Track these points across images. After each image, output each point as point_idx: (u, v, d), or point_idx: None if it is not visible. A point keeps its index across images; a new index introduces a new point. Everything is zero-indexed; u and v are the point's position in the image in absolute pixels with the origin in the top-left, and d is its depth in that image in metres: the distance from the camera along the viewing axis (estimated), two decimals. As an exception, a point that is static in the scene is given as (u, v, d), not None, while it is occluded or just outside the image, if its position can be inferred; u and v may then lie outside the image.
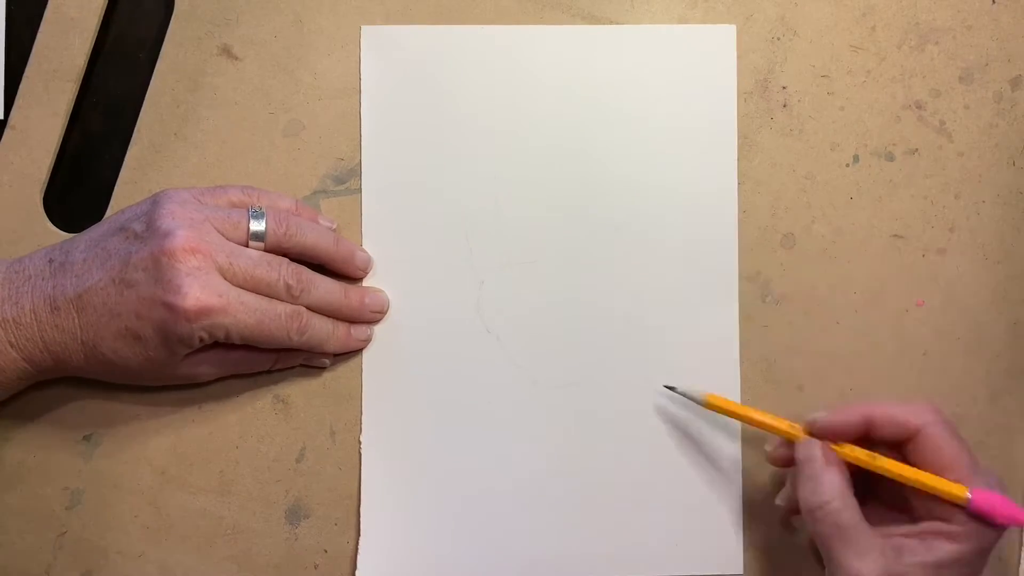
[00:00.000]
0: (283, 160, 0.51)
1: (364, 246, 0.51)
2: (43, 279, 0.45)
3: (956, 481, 0.43)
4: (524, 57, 0.52)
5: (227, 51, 0.51)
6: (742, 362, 0.52)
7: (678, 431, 0.51)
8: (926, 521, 0.44)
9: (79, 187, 0.52)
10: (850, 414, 0.45)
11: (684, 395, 0.50)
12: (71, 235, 0.50)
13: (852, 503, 0.43)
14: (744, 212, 0.52)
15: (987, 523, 0.42)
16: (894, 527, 0.44)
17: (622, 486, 0.51)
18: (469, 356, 0.51)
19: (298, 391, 0.51)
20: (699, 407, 0.49)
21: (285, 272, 0.47)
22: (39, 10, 0.51)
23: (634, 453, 0.51)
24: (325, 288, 0.48)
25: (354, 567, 0.50)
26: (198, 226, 0.45)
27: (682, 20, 0.52)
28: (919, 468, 0.44)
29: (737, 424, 0.51)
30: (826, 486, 0.43)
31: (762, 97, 0.52)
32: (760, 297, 0.52)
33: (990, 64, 0.52)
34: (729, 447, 0.51)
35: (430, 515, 0.51)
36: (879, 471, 0.44)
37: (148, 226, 0.45)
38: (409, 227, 0.51)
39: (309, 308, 0.48)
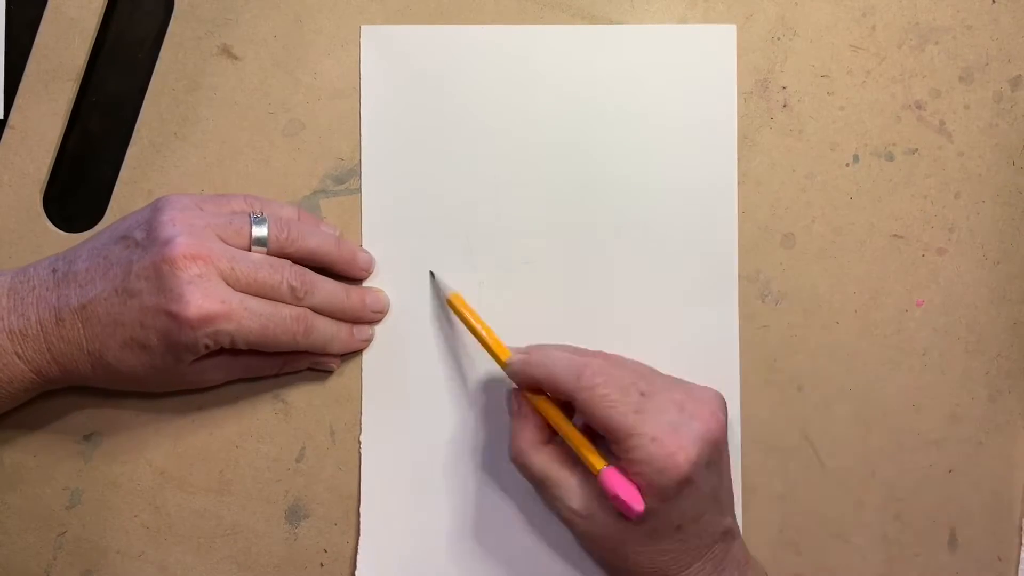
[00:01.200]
0: (283, 160, 0.51)
1: (364, 246, 0.51)
2: (47, 289, 0.45)
3: (612, 441, 0.44)
4: (524, 57, 0.52)
5: (227, 51, 0.51)
6: (742, 362, 0.52)
7: (678, 431, 0.51)
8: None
9: (79, 187, 0.52)
10: (531, 372, 0.46)
11: (437, 283, 0.51)
12: (71, 235, 0.50)
13: (540, 453, 0.46)
14: (744, 212, 0.52)
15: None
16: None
17: (622, 486, 0.51)
18: (469, 356, 0.51)
19: (298, 391, 0.51)
20: None
21: (288, 274, 0.47)
22: (39, 10, 0.51)
23: (634, 453, 0.51)
24: (328, 289, 0.48)
25: (354, 567, 0.50)
26: (199, 232, 0.45)
27: (682, 20, 0.52)
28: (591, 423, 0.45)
29: (738, 425, 0.51)
30: (516, 439, 0.47)
31: (762, 97, 0.52)
32: (760, 297, 0.52)
33: (990, 64, 0.53)
34: (729, 447, 0.51)
35: (430, 515, 0.51)
36: (552, 424, 0.46)
37: (149, 234, 0.45)
38: (409, 227, 0.51)
39: (312, 310, 0.48)
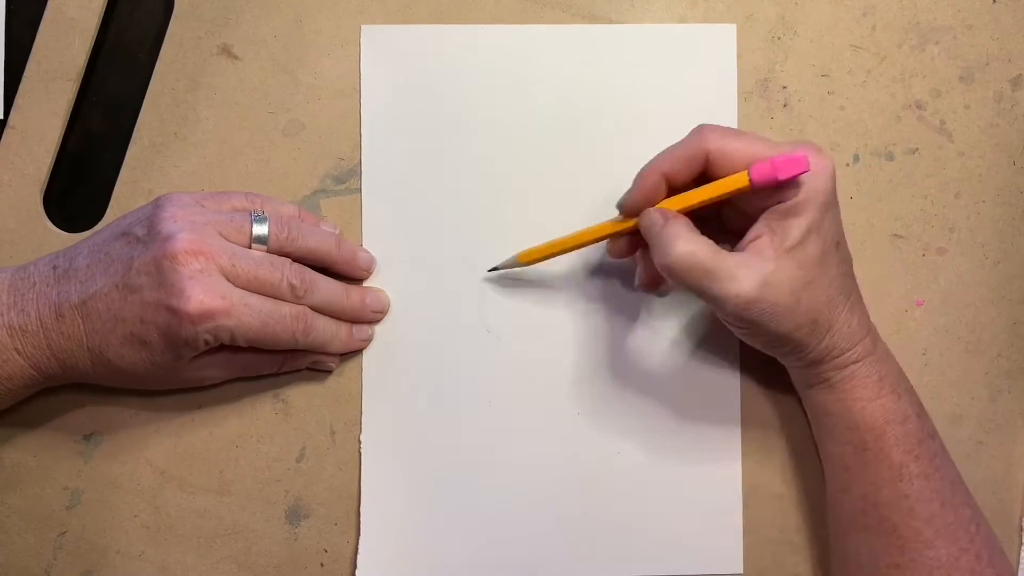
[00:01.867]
0: (283, 160, 0.51)
1: (364, 246, 0.51)
2: (48, 286, 0.45)
3: (757, 164, 0.44)
4: (524, 57, 0.52)
5: (227, 51, 0.51)
6: (742, 362, 0.51)
7: (679, 430, 0.51)
8: (763, 216, 0.45)
9: (79, 187, 0.52)
10: (647, 177, 0.45)
11: (503, 267, 0.50)
12: (71, 235, 0.50)
13: (701, 240, 0.44)
14: (744, 212, 0.52)
15: (785, 186, 0.44)
16: (747, 239, 0.45)
17: (622, 486, 0.51)
18: (469, 356, 0.51)
19: (298, 391, 0.51)
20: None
21: (288, 272, 0.47)
22: (39, 10, 0.51)
23: (634, 453, 0.51)
24: (328, 288, 0.48)
25: (354, 567, 0.50)
26: (200, 229, 0.45)
27: (682, 19, 0.52)
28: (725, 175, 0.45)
29: (738, 425, 0.51)
30: (671, 239, 0.44)
31: (762, 97, 0.52)
32: (760, 297, 0.52)
33: (990, 64, 0.52)
34: (729, 447, 0.51)
35: (430, 515, 0.51)
36: (692, 208, 0.45)
37: (149, 230, 0.45)
38: (409, 227, 0.51)
39: (312, 309, 0.48)
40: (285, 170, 0.51)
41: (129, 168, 0.51)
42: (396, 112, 0.51)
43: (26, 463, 0.50)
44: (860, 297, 0.47)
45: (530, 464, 0.51)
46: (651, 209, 0.46)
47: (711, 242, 0.44)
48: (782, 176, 0.43)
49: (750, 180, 0.43)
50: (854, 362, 0.46)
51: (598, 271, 0.52)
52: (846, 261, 0.46)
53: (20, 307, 0.45)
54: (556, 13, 0.52)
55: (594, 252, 0.51)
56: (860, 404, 0.45)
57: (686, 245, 0.43)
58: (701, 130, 0.45)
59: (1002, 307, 0.52)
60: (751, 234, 0.45)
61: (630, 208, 0.46)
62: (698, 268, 0.43)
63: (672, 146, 0.45)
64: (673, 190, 0.46)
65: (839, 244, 0.45)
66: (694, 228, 0.45)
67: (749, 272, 0.43)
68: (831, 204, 0.44)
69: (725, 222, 0.48)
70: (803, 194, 0.43)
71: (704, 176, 0.45)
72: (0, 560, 0.50)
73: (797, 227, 0.44)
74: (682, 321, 0.51)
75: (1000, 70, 0.52)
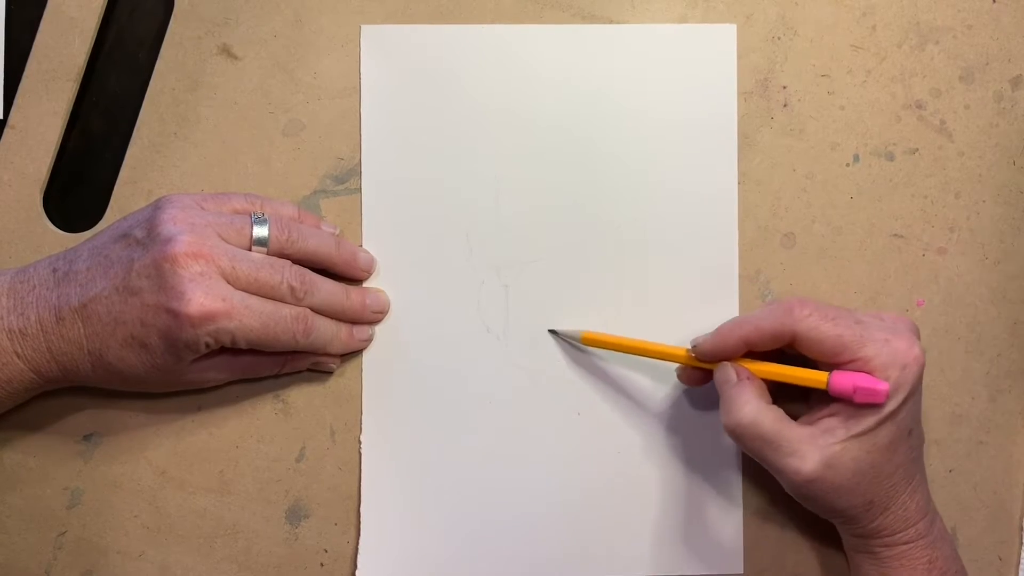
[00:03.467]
0: (283, 160, 0.51)
1: (364, 246, 0.51)
2: (47, 289, 0.45)
3: (843, 358, 0.44)
4: (524, 56, 0.52)
5: (227, 51, 0.51)
6: (742, 362, 0.52)
7: (679, 430, 0.51)
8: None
9: (79, 187, 0.52)
10: (728, 337, 0.46)
11: (564, 337, 0.51)
12: (71, 235, 0.50)
13: (769, 411, 0.45)
14: (744, 212, 0.52)
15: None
16: (819, 410, 0.46)
17: (622, 486, 0.51)
18: (469, 356, 0.51)
19: (298, 391, 0.51)
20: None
21: (289, 274, 0.47)
22: (39, 10, 0.51)
23: (634, 453, 0.51)
24: (328, 290, 0.48)
25: (354, 567, 0.50)
26: (200, 231, 0.45)
27: (682, 19, 0.52)
28: (815, 361, 0.45)
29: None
30: (739, 404, 0.45)
31: (762, 97, 0.52)
32: (760, 297, 0.52)
33: (990, 64, 0.52)
34: (730, 447, 0.51)
35: (430, 515, 0.51)
36: (764, 376, 0.46)
37: (149, 232, 0.45)
38: (409, 227, 0.51)
39: (312, 310, 0.48)
40: (285, 170, 0.51)
41: (129, 168, 0.51)
42: (396, 112, 0.51)
43: (26, 463, 0.50)
44: (924, 479, 0.46)
45: (530, 464, 0.51)
46: (728, 364, 0.46)
47: (780, 412, 0.45)
48: (858, 401, 0.43)
49: (828, 386, 0.44)
50: (904, 543, 0.45)
51: (598, 271, 0.52)
52: (916, 447, 0.46)
53: (20, 310, 0.44)
54: (556, 13, 0.52)
55: (593, 252, 0.51)
56: None
57: (753, 414, 0.44)
58: (791, 308, 0.45)
59: (1002, 307, 0.52)
60: (825, 409, 0.45)
61: (705, 356, 0.47)
62: (761, 439, 0.44)
63: (759, 315, 0.46)
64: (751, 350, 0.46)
65: (912, 432, 0.45)
66: (765, 393, 0.46)
67: (812, 450, 0.44)
68: (913, 395, 0.44)
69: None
70: (891, 383, 0.43)
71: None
72: (0, 560, 0.50)
73: (873, 415, 0.44)
74: (683, 321, 0.51)
75: (1000, 70, 0.52)
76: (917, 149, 0.52)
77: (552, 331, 0.51)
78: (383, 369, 0.51)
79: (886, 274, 0.52)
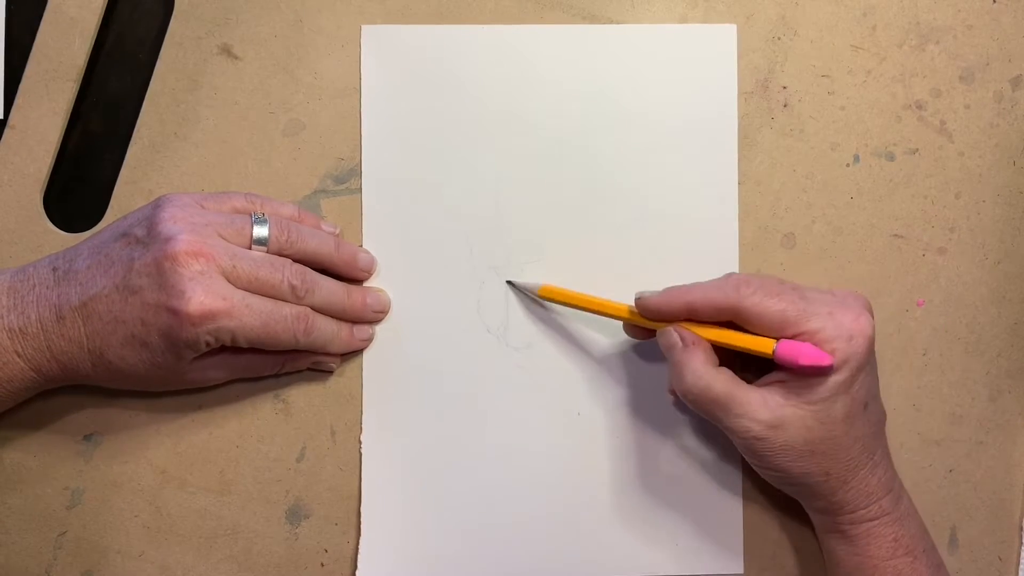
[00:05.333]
0: (283, 160, 0.51)
1: (364, 246, 0.51)
2: (48, 288, 0.45)
3: (787, 332, 0.44)
4: (524, 57, 0.52)
5: (227, 51, 0.51)
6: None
7: (679, 431, 0.51)
8: None
9: (79, 187, 0.52)
10: (675, 299, 0.46)
11: (522, 289, 0.51)
12: (71, 235, 0.50)
13: (719, 373, 0.45)
14: (744, 212, 0.52)
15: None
16: (770, 377, 0.46)
17: (622, 486, 0.51)
18: (469, 356, 0.51)
19: (298, 391, 0.51)
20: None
21: (289, 273, 0.47)
22: (39, 10, 0.51)
23: (634, 452, 0.51)
24: (328, 289, 0.48)
25: (354, 567, 0.50)
26: (200, 230, 0.45)
27: (682, 20, 0.52)
28: (756, 331, 0.45)
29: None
30: (690, 368, 0.45)
31: (762, 97, 0.52)
32: (760, 297, 0.52)
33: (991, 64, 0.52)
34: (730, 447, 0.51)
35: (430, 515, 0.51)
36: (712, 340, 0.46)
37: (150, 231, 0.45)
38: (409, 227, 0.51)
39: (313, 309, 0.48)
40: (285, 170, 0.51)
41: (129, 168, 0.51)
42: (396, 112, 0.51)
43: (26, 463, 0.50)
44: (887, 455, 0.47)
45: (530, 464, 0.51)
46: (672, 329, 0.46)
47: (729, 374, 0.45)
48: (803, 366, 0.43)
49: (774, 354, 0.44)
50: (869, 520, 0.46)
51: (598, 271, 0.51)
52: (874, 422, 0.46)
53: (20, 309, 0.44)
54: (556, 13, 0.52)
55: (594, 252, 0.51)
56: (872, 562, 0.45)
57: (705, 378, 0.45)
58: (738, 285, 0.45)
59: (1002, 307, 0.52)
60: (775, 376, 0.45)
61: (650, 314, 0.47)
62: (713, 402, 0.45)
63: (709, 284, 0.45)
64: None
65: (867, 405, 0.45)
66: (713, 356, 0.46)
67: (763, 410, 0.44)
68: (864, 367, 0.44)
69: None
70: (838, 355, 0.43)
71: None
72: (0, 560, 0.50)
73: (824, 386, 0.44)
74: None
75: (1000, 70, 0.52)
76: (917, 149, 0.52)
77: (510, 282, 0.51)
78: (383, 369, 0.51)
79: (886, 274, 0.52)
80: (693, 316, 0.46)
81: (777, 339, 0.44)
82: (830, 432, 0.44)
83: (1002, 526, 0.52)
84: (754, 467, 0.47)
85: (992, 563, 0.52)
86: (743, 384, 0.45)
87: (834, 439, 0.44)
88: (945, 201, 0.52)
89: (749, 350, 0.45)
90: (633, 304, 0.47)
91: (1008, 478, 0.52)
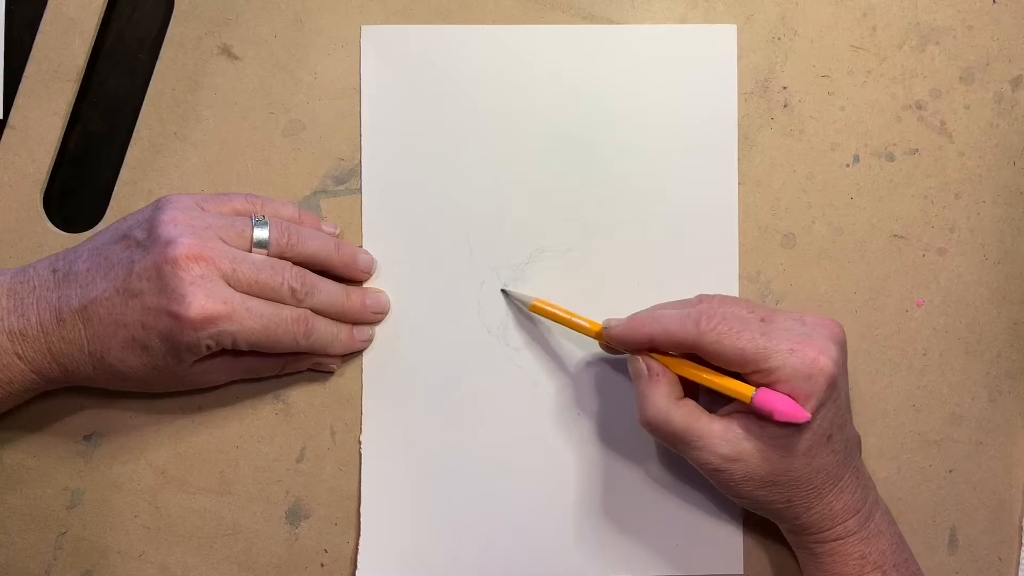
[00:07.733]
0: (283, 160, 0.51)
1: (364, 246, 0.51)
2: (48, 290, 0.45)
3: (747, 369, 0.44)
4: (524, 57, 0.52)
5: (227, 51, 0.51)
6: (742, 362, 0.51)
7: (678, 431, 0.51)
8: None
9: (79, 187, 0.52)
10: (637, 331, 0.46)
11: (514, 299, 0.51)
12: (71, 236, 0.50)
13: (679, 407, 0.45)
14: (744, 212, 0.52)
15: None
16: (736, 405, 0.46)
17: (623, 486, 0.51)
18: (469, 356, 0.51)
19: (298, 392, 0.51)
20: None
21: (289, 276, 0.47)
22: (39, 10, 0.51)
23: (634, 453, 0.51)
24: (328, 291, 0.48)
25: (354, 567, 0.50)
26: (201, 233, 0.45)
27: (682, 20, 0.52)
28: (717, 365, 0.45)
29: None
30: (650, 401, 0.46)
31: (762, 97, 0.52)
32: (760, 297, 0.52)
33: (991, 64, 0.52)
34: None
35: (430, 515, 0.51)
36: (691, 378, 0.46)
37: (150, 234, 0.45)
38: (409, 227, 0.51)
39: (313, 311, 0.48)
40: (285, 170, 0.51)
41: (129, 168, 0.51)
42: (396, 112, 0.51)
43: (26, 464, 0.50)
44: (857, 478, 0.46)
45: (530, 464, 0.51)
46: (638, 357, 0.47)
47: (691, 405, 0.46)
48: (778, 419, 0.43)
49: (752, 403, 0.44)
50: (834, 540, 0.46)
51: (598, 272, 0.52)
52: (840, 451, 0.45)
53: (20, 311, 0.44)
54: (556, 14, 0.52)
55: (593, 252, 0.51)
56: None
57: (664, 411, 0.45)
58: (698, 319, 0.44)
59: (1002, 307, 0.52)
60: (740, 404, 0.45)
61: (613, 341, 0.47)
62: (673, 435, 0.45)
63: (673, 316, 0.45)
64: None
65: (831, 436, 0.45)
66: (677, 387, 0.46)
67: (721, 444, 0.45)
68: (825, 402, 0.44)
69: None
70: (797, 390, 0.43)
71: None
72: (0, 560, 0.50)
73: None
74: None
75: (1000, 70, 0.52)
76: (917, 149, 0.52)
77: (504, 291, 0.51)
78: (383, 369, 0.51)
79: (886, 274, 0.52)
80: (655, 349, 0.46)
81: (756, 386, 0.44)
82: (790, 464, 0.44)
83: (1002, 526, 0.52)
84: (724, 493, 0.47)
85: (992, 563, 0.52)
86: (704, 416, 0.45)
87: (795, 470, 0.44)
88: (945, 201, 0.52)
89: (728, 390, 0.45)
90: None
91: (1008, 478, 0.52)
